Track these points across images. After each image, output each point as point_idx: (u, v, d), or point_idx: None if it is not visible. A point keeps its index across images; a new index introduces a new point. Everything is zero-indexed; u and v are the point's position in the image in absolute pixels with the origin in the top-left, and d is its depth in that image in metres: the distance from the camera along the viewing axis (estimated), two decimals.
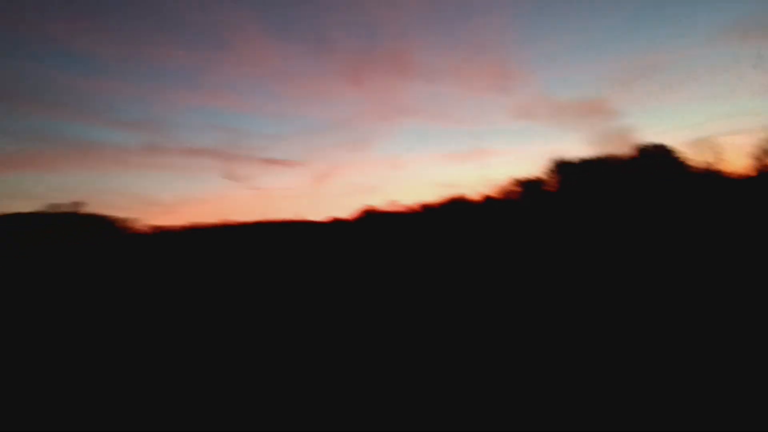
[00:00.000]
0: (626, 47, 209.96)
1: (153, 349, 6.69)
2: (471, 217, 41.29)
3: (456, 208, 53.15)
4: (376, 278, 12.32)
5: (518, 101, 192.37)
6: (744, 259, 10.44)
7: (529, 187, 45.02)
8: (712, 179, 30.70)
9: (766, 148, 29.61)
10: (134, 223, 54.45)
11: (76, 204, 49.51)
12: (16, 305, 11.05)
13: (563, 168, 41.94)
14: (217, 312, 9.06)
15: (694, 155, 33.27)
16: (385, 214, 66.60)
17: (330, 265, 16.26)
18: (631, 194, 31.45)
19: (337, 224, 70.98)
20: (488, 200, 49.67)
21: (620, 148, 41.74)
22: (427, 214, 56.27)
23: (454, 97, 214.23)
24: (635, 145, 37.30)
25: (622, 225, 22.07)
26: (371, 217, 68.84)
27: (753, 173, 29.84)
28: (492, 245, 18.96)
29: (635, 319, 6.42)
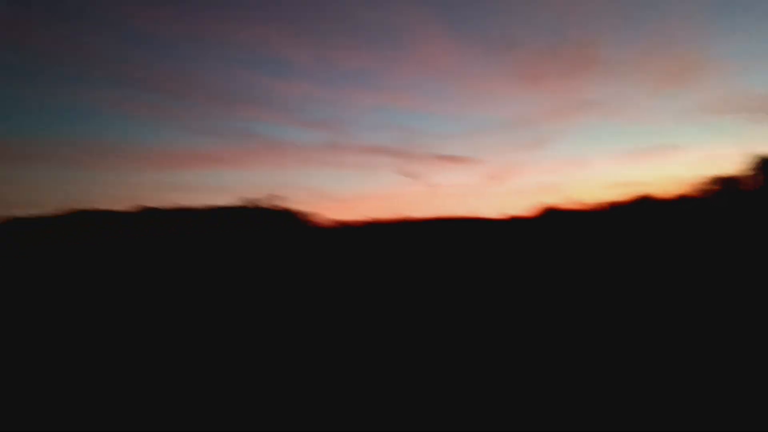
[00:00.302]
0: None
1: (337, 338, 6.74)
2: (661, 217, 39.70)
3: (643, 206, 51.13)
4: (559, 276, 12.10)
5: (707, 95, 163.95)
6: None
7: (725, 185, 44.37)
8: None
9: None
10: (316, 217, 56.83)
11: (268, 198, 52.34)
12: (205, 290, 11.94)
13: (766, 165, 41.14)
14: (395, 304, 9.24)
15: None
16: (568, 212, 63.25)
17: (510, 263, 15.97)
18: None
19: (515, 222, 67.00)
20: (680, 199, 47.84)
21: None
22: (613, 212, 53.67)
23: (637, 92, 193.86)
24: None
25: None
26: (552, 215, 65.30)
27: None
28: (687, 246, 17.84)
29: None
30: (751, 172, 42.17)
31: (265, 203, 51.90)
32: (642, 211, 49.53)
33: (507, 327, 7.02)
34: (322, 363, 5.68)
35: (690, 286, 9.56)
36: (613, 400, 4.17)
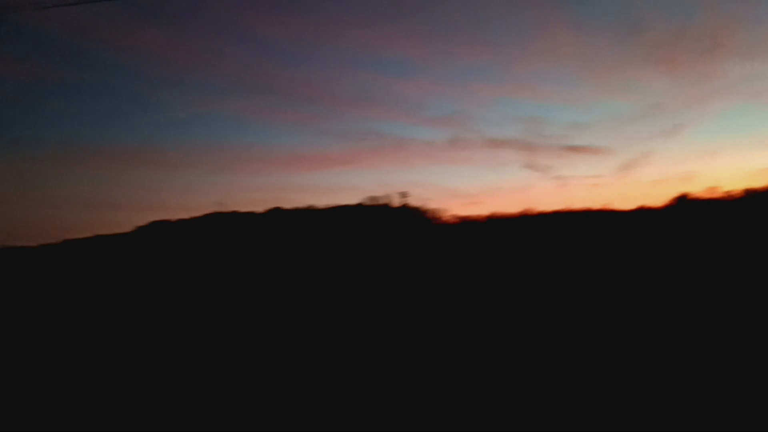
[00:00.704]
0: None
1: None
2: None
3: None
4: (696, 268, 11.67)
5: None
6: None
7: None
8: None
9: None
10: (442, 214, 55.62)
11: (394, 196, 52.72)
12: (337, 286, 12.32)
13: None
14: (524, 300, 9.21)
15: None
16: (704, 201, 60.72)
17: (643, 255, 15.52)
18: None
19: (649, 213, 63.35)
20: None
21: None
22: (752, 201, 46.95)
23: None
24: None
25: None
26: (688, 205, 63.56)
27: None
28: None
29: None
30: None
31: (391, 201, 53.19)
32: None
33: (641, 320, 6.86)
34: (456, 359, 5.64)
35: None
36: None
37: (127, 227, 55.91)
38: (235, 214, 53.09)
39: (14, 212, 79.54)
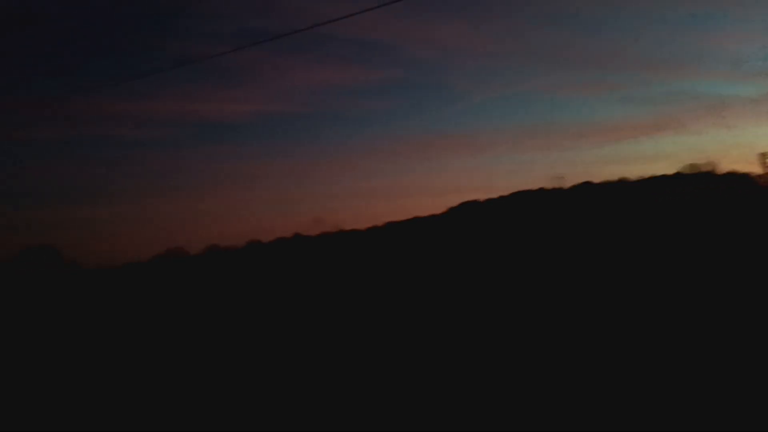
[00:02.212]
0: None
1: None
2: None
3: None
4: None
5: None
6: None
7: None
8: None
9: None
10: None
11: (712, 162, 48.28)
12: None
13: None
14: None
15: None
16: None
17: None
18: None
19: None
20: None
21: None
22: None
23: None
24: None
25: None
26: None
27: None
28: None
29: None
30: None
31: (714, 168, 48.30)
32: None
33: None
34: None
35: None
36: None
37: (439, 209, 58.77)
38: (541, 192, 52.76)
39: (346, 202, 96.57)
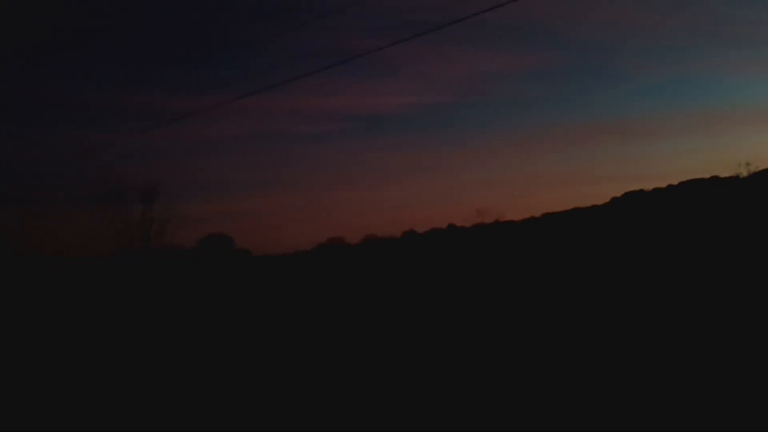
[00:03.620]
0: None
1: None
2: None
3: None
4: None
5: None
6: None
7: None
8: None
9: None
10: None
11: None
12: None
13: None
14: None
15: None
16: None
17: None
18: None
19: None
20: None
21: None
22: None
23: None
24: None
25: None
26: None
27: None
28: None
29: None
30: None
31: None
32: None
33: None
34: None
35: None
36: None
37: (601, 199, 56.52)
38: (715, 180, 47.97)
39: (506, 192, 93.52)
